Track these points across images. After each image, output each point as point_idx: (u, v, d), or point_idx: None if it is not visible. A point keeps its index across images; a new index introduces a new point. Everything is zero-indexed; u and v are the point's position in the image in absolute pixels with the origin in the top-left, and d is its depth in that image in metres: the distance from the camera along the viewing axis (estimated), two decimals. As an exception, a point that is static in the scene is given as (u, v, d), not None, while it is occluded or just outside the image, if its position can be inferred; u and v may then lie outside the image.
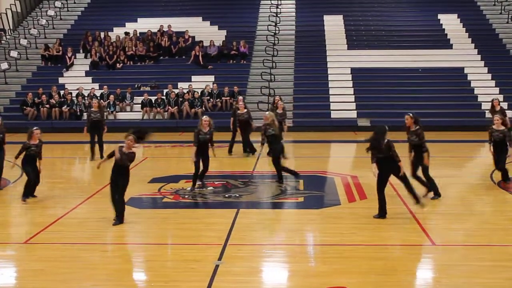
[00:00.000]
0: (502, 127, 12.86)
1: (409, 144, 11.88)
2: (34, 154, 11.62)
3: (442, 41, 29.09)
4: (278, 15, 31.38)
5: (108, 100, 25.19)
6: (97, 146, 17.04)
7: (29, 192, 11.73)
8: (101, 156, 16.96)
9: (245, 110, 17.53)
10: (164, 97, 25.20)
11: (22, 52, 28.97)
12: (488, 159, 16.89)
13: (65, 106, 25.03)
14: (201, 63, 27.63)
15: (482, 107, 24.43)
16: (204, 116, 13.48)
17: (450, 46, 28.73)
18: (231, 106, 24.91)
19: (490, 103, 18.43)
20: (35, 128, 11.84)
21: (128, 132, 10.29)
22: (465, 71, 26.93)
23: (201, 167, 12.98)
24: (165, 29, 29.70)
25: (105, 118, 18.01)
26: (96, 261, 8.41)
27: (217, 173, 15.06)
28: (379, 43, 29.24)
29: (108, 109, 25.06)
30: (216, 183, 13.61)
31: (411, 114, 12.17)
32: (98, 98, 23.48)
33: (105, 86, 25.83)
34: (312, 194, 12.33)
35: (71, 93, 25.49)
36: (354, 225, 10.01)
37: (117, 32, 30.06)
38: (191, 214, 11.02)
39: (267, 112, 14.61)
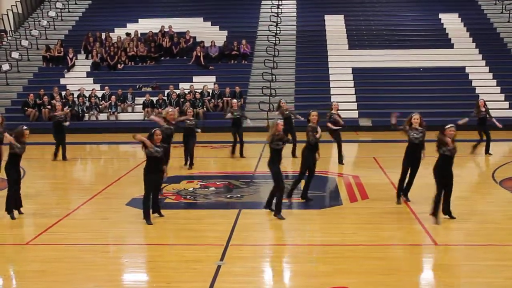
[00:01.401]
0: (420, 128, 11.23)
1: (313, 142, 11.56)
2: (19, 155, 10.65)
3: (443, 41, 29.06)
4: (279, 15, 31.37)
5: (110, 101, 25.23)
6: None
7: (16, 203, 10.78)
8: (64, 157, 16.99)
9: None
10: (165, 98, 25.21)
11: (23, 53, 28.99)
12: (489, 158, 16.91)
13: (67, 107, 25.02)
14: (202, 63, 27.64)
15: (484, 107, 24.40)
16: (280, 120, 11.01)
17: (451, 46, 28.70)
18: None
19: (476, 103, 17.92)
20: (25, 127, 10.79)
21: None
22: (466, 71, 26.91)
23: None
24: (166, 29, 29.70)
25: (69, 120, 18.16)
26: (98, 262, 8.42)
27: (219, 174, 15.07)
28: (380, 42, 29.23)
29: (109, 110, 25.11)
30: (218, 183, 13.62)
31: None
32: (62, 101, 23.42)
33: (106, 87, 25.87)
34: (314, 194, 12.31)
35: (72, 94, 25.53)
36: (356, 225, 10.02)
37: (118, 33, 30.07)
38: (192, 214, 11.03)
39: (170, 109, 14.23)
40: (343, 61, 27.84)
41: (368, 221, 10.24)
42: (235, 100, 18.42)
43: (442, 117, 23.74)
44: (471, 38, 29.06)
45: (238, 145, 17.01)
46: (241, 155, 17.04)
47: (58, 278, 7.81)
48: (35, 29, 31.06)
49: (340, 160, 15.91)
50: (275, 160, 10.41)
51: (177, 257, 8.67)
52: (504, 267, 8.04)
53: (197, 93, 25.11)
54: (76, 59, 28.58)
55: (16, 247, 9.30)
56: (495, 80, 26.09)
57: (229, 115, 17.16)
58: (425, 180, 13.72)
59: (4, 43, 30.93)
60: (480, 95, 25.03)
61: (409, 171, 11.39)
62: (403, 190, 11.49)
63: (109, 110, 25.15)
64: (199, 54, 27.73)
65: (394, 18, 31.26)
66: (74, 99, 25.33)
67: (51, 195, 12.77)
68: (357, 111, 24.74)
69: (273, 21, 30.65)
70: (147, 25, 30.52)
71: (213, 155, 17.92)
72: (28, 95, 25.39)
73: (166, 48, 28.88)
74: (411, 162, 11.28)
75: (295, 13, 32.20)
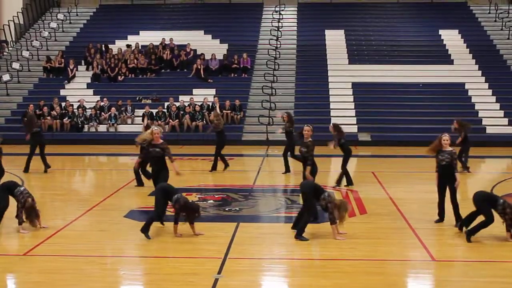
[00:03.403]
0: (450, 148, 10.99)
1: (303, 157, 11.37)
2: None
3: (443, 57, 29.20)
4: (280, 29, 31.51)
5: (110, 112, 25.28)
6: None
7: None
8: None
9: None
10: (165, 110, 25.27)
11: (24, 64, 29.08)
12: (489, 174, 16.94)
13: (66, 118, 25.12)
14: (203, 76, 27.73)
15: (483, 123, 24.50)
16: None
17: (451, 62, 28.83)
18: (232, 119, 25.04)
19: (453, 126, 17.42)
20: None
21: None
22: (466, 87, 27.00)
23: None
24: (167, 42, 29.83)
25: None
26: (95, 274, 8.41)
27: (218, 187, 15.07)
28: (380, 58, 29.35)
29: (109, 121, 25.15)
30: (216, 196, 13.63)
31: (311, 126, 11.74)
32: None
33: (105, 99, 25.93)
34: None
35: (72, 105, 25.59)
36: (354, 240, 10.01)
37: (119, 45, 30.19)
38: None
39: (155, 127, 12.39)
40: (343, 75, 27.92)
41: (366, 236, 10.24)
42: (284, 113, 18.10)
43: (441, 133, 23.86)
44: (471, 55, 29.19)
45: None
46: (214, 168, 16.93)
47: (55, 289, 7.81)
48: (36, 40, 31.17)
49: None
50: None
51: (174, 269, 8.66)
52: (502, 284, 8.04)
53: (196, 106, 25.17)
54: (77, 70, 28.67)
55: (13, 258, 9.29)
56: (495, 97, 26.17)
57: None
58: (423, 196, 13.77)
59: (5, 53, 31.03)
60: (479, 111, 25.22)
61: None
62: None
63: (109, 121, 25.19)
64: (199, 67, 27.82)
65: (394, 34, 31.42)
66: (74, 110, 25.39)
67: (49, 206, 12.75)
68: (356, 126, 24.78)
69: (273, 35, 30.79)
70: (148, 37, 30.67)
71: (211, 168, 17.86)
72: (28, 105, 25.40)
73: (166, 61, 29.00)
74: (443, 185, 10.94)
75: (296, 27, 32.36)
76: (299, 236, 9.96)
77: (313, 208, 10.31)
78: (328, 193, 10.21)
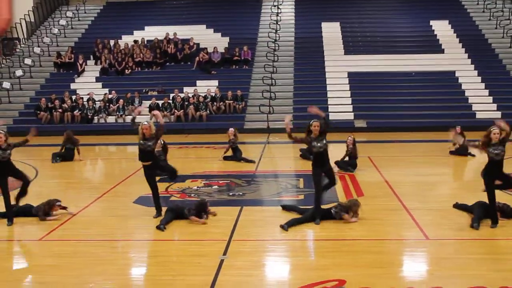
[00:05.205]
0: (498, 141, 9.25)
1: (313, 152, 10.27)
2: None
3: (434, 46, 29.07)
4: (279, 23, 31.40)
5: (118, 104, 25.25)
6: None
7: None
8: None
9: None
10: (170, 101, 25.23)
11: (35, 60, 29.03)
12: (479, 157, 16.89)
13: (77, 111, 25.11)
14: (205, 68, 27.63)
15: (473, 109, 24.47)
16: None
17: (442, 51, 28.71)
18: (234, 109, 25.01)
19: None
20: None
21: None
22: (456, 75, 26.92)
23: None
24: (171, 36, 29.73)
25: None
26: (107, 257, 8.44)
27: (222, 173, 15.08)
28: (374, 48, 29.24)
29: (117, 113, 25.12)
30: (220, 182, 13.64)
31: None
32: None
33: (113, 91, 25.90)
34: (312, 192, 12.29)
35: (82, 98, 25.58)
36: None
37: (126, 40, 30.11)
38: (197, 211, 11.01)
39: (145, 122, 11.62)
40: (339, 65, 27.84)
41: (363, 217, 10.22)
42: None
43: (432, 119, 23.92)
44: (461, 44, 29.07)
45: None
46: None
47: (70, 272, 7.82)
48: (46, 36, 31.12)
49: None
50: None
51: (182, 251, 8.68)
52: (492, 260, 8.06)
53: (200, 97, 25.14)
54: (86, 65, 28.62)
55: (31, 242, 9.32)
56: (484, 84, 26.09)
57: None
58: (417, 179, 13.77)
59: (17, 50, 30.99)
60: (469, 97, 25.18)
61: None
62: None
63: (117, 113, 25.17)
64: (201, 60, 27.74)
65: (388, 25, 31.28)
66: (84, 103, 25.37)
67: (62, 193, 12.76)
68: (352, 113, 24.76)
69: (272, 28, 30.69)
70: (153, 32, 30.59)
71: (216, 156, 17.87)
72: (40, 99, 25.44)
73: (171, 54, 28.92)
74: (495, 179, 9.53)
75: (294, 21, 32.23)
76: (286, 225, 9.57)
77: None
78: (337, 205, 10.23)
